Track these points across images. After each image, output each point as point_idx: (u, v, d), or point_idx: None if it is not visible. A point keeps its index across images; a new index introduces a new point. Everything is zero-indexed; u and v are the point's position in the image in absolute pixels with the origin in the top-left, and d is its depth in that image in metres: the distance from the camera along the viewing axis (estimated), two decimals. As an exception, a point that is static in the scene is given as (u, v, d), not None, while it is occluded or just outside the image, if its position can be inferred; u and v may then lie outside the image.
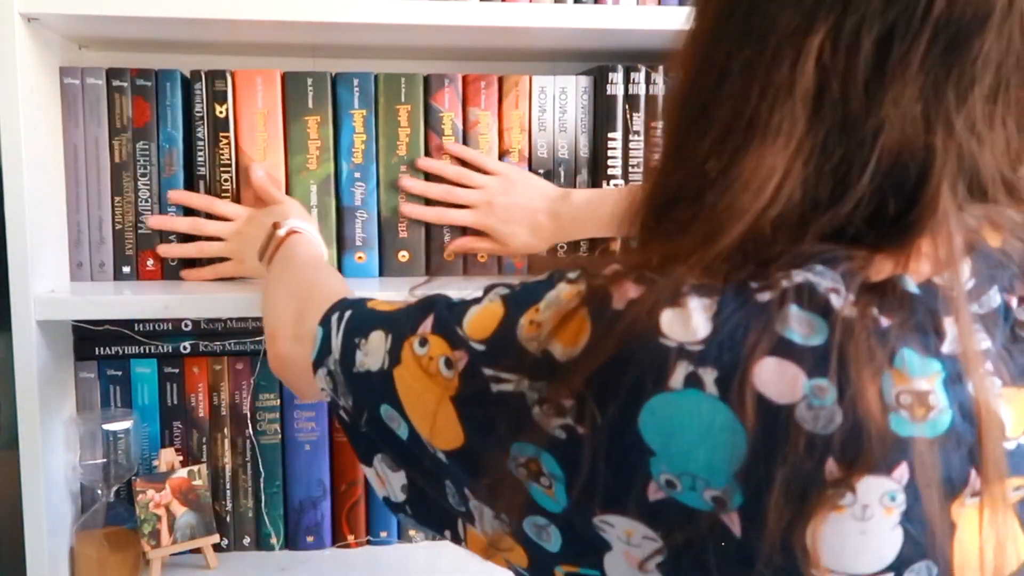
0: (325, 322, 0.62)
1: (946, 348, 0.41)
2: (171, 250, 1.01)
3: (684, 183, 0.47)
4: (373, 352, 0.55)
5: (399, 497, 0.60)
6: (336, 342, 0.59)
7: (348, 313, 0.60)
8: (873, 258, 0.43)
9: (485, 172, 1.03)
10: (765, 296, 0.42)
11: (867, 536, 0.40)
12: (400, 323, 0.54)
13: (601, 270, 0.45)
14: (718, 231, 0.43)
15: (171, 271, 1.03)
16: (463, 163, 1.04)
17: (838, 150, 0.43)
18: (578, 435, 0.43)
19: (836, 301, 0.41)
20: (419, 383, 0.50)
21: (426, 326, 0.51)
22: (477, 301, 0.50)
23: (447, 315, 0.51)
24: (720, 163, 0.44)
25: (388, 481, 0.61)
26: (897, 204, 0.43)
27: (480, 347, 0.47)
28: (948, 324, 0.42)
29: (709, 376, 0.40)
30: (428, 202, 1.05)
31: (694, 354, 0.41)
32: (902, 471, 0.39)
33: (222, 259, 1.00)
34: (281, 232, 0.88)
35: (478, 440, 0.48)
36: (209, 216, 1.01)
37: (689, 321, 0.41)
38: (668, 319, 0.42)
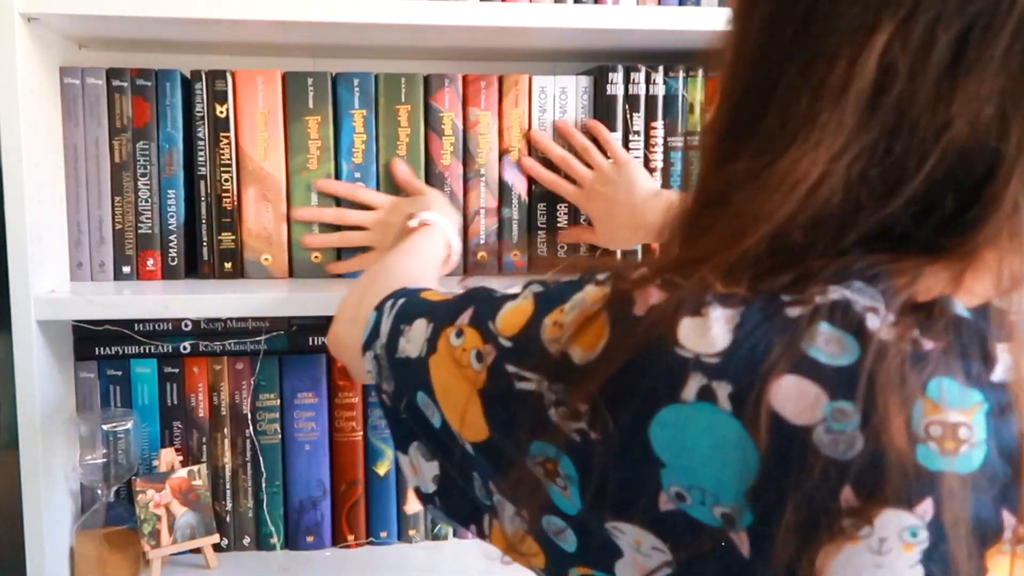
0: (380, 307, 0.63)
1: (996, 376, 0.39)
2: (315, 240, 1.03)
3: (718, 187, 0.46)
4: (414, 339, 0.55)
5: (430, 488, 0.60)
6: (385, 327, 0.60)
7: (401, 300, 0.61)
8: (923, 271, 0.41)
9: (605, 154, 1.04)
10: (795, 311, 0.40)
11: (883, 571, 0.38)
12: (442, 313, 0.54)
13: (631, 273, 0.44)
14: (741, 233, 0.42)
15: (171, 271, 1.03)
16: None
17: (891, 151, 0.41)
18: (591, 440, 0.43)
19: (872, 321, 0.39)
20: (451, 374, 0.50)
21: (464, 318, 0.51)
22: (514, 297, 0.50)
23: (485, 308, 0.51)
24: (756, 165, 0.43)
25: (421, 470, 0.60)
26: (957, 200, 0.41)
27: (507, 343, 0.47)
28: (1001, 350, 0.39)
29: (723, 390, 0.39)
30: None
31: (709, 366, 0.40)
32: (926, 507, 0.38)
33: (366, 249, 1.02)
34: (412, 223, 0.89)
35: (501, 435, 0.48)
36: (352, 205, 1.03)
37: (708, 332, 0.40)
38: (686, 328, 0.41)
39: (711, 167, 0.48)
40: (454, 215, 0.98)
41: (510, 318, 0.48)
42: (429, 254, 0.87)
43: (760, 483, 0.38)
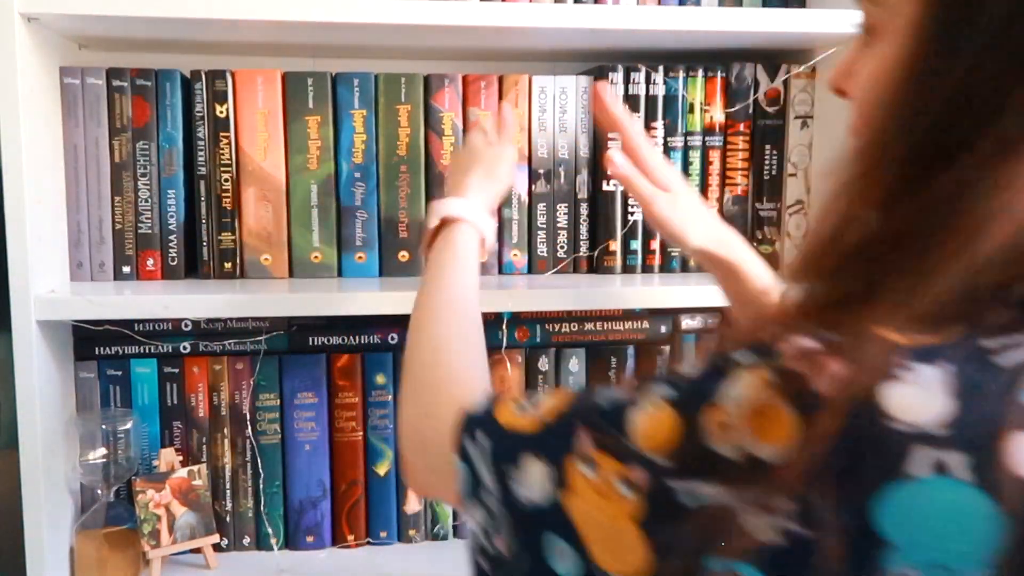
0: (462, 453, 0.54)
1: None
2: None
3: (895, 221, 0.41)
4: (532, 483, 0.49)
5: None
6: (486, 475, 0.52)
7: (485, 441, 0.53)
8: None
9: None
10: (1008, 359, 0.37)
11: None
12: (550, 444, 0.48)
13: (776, 344, 0.40)
14: (928, 271, 0.38)
15: (171, 271, 1.03)
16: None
17: None
18: (802, 539, 0.39)
19: None
20: (596, 508, 0.45)
21: (585, 443, 0.46)
22: (632, 403, 0.44)
23: (602, 426, 0.45)
24: (962, 195, 0.38)
25: None
26: None
27: (664, 462, 0.42)
28: None
29: (957, 460, 0.36)
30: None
31: (937, 437, 0.36)
32: None
33: None
34: (431, 223, 0.78)
35: (668, 561, 0.43)
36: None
37: (923, 399, 0.37)
38: (893, 398, 0.37)
39: (880, 197, 0.42)
40: (493, 186, 0.85)
41: (650, 432, 0.43)
42: (463, 271, 0.75)
43: (1009, 550, 0.36)
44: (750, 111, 1.09)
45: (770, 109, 1.10)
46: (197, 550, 1.03)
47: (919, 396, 0.37)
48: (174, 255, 1.03)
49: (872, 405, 0.37)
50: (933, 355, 0.38)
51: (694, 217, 0.83)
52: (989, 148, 0.39)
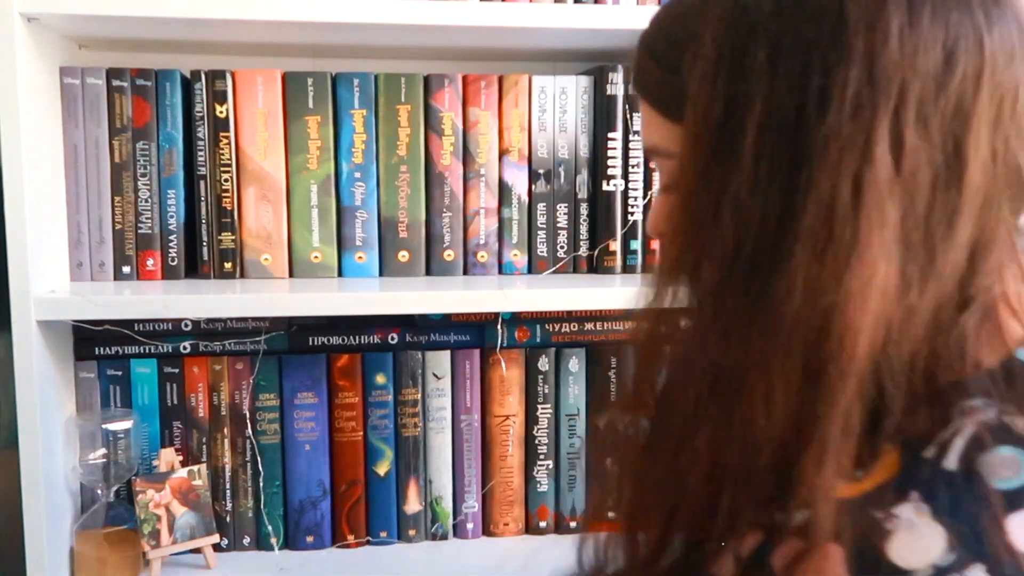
0: None
1: None
2: None
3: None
4: None
5: None
6: None
7: None
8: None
9: None
10: (951, 459, 0.39)
11: None
12: None
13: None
14: (830, 418, 0.40)
15: (171, 271, 1.03)
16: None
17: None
18: None
19: None
20: None
21: None
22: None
23: None
24: (820, 277, 0.41)
25: None
26: None
27: None
28: None
29: (977, 571, 0.38)
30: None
31: (948, 566, 0.38)
32: None
33: None
34: None
35: None
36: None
37: (919, 541, 0.39)
38: (895, 551, 0.39)
39: (718, 295, 0.45)
40: None
41: None
42: None
43: None
44: (750, 111, 1.09)
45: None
46: (197, 550, 1.03)
47: (914, 540, 0.38)
48: (174, 255, 1.03)
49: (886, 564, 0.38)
50: (899, 492, 0.39)
51: None
52: (806, 250, 0.41)
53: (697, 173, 0.46)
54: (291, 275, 1.05)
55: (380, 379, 1.08)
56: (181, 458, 1.05)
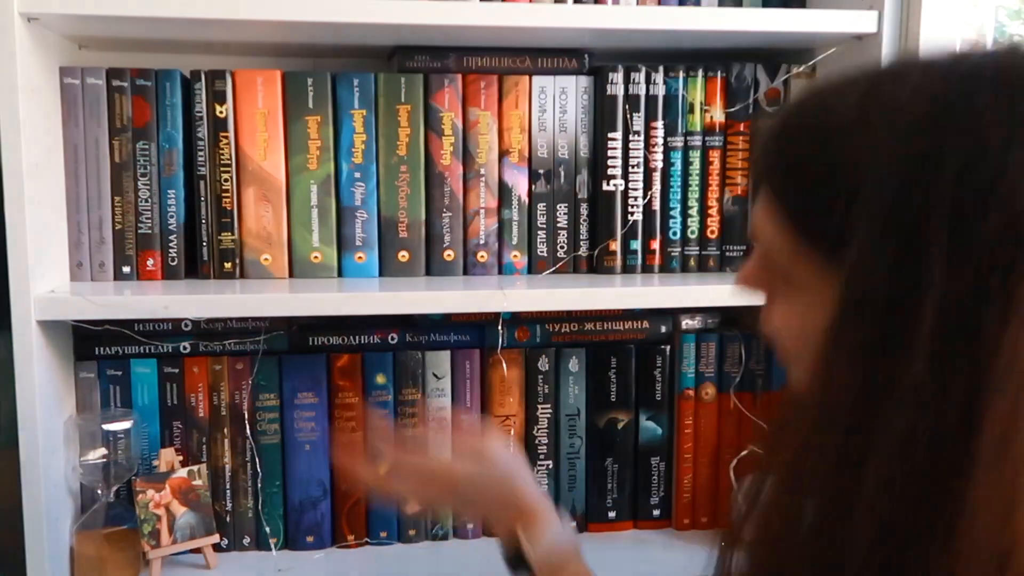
0: None
1: None
2: None
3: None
4: None
5: None
6: None
7: None
8: None
9: None
10: None
11: None
12: None
13: None
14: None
15: (171, 271, 1.03)
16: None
17: None
18: None
19: None
20: None
21: None
22: None
23: None
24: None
25: None
26: None
27: None
28: None
29: None
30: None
31: None
32: None
33: None
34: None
35: None
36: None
37: None
38: None
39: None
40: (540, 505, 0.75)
41: None
42: None
43: None
44: (750, 111, 1.09)
45: (770, 109, 1.10)
46: (197, 550, 1.03)
47: None
48: (174, 255, 1.03)
49: None
50: None
51: None
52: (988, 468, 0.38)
53: (854, 346, 0.41)
54: (291, 275, 1.05)
55: (380, 379, 1.08)
56: (181, 458, 1.05)
